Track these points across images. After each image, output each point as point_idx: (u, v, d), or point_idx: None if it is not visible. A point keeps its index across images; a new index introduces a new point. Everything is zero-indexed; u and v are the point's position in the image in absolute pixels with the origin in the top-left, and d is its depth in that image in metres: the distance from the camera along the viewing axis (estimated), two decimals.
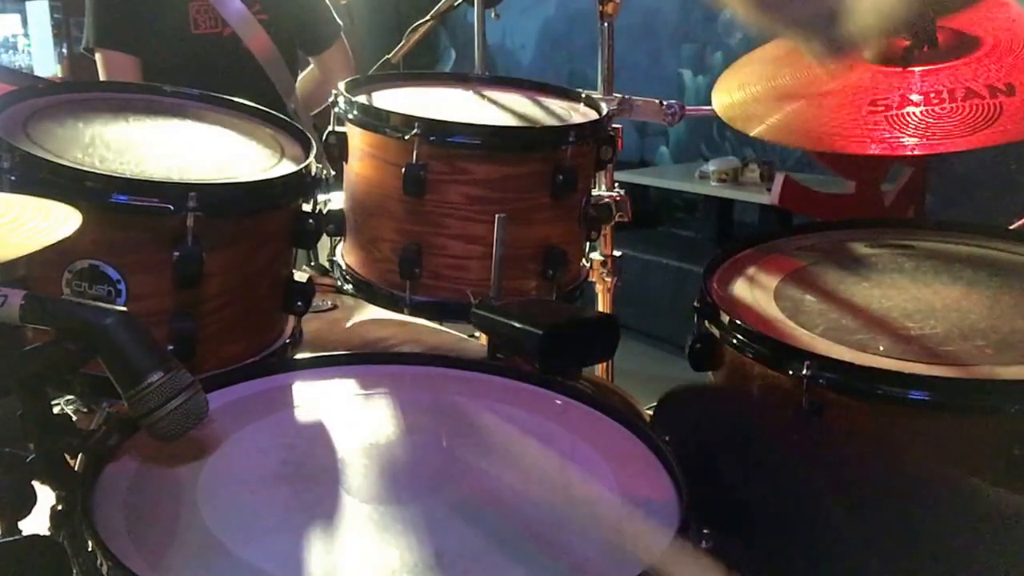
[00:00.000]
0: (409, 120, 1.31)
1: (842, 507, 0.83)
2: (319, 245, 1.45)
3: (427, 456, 0.93)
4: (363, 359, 1.14)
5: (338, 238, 1.51)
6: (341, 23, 2.53)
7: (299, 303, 1.28)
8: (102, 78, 2.29)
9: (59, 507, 0.81)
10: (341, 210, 1.46)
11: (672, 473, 0.88)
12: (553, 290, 1.41)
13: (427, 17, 2.18)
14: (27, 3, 5.76)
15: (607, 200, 1.67)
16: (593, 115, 1.50)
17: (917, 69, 1.32)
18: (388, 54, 2.19)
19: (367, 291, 1.46)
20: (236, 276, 1.18)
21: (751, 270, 1.31)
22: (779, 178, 4.37)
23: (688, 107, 1.92)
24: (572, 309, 1.44)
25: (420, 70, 1.91)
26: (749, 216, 5.31)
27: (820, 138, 1.31)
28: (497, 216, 1.27)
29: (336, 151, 1.42)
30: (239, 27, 2.25)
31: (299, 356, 1.27)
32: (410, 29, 2.21)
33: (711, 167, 5.15)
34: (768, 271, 1.30)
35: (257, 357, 1.23)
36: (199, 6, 2.26)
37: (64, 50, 5.45)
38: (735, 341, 1.13)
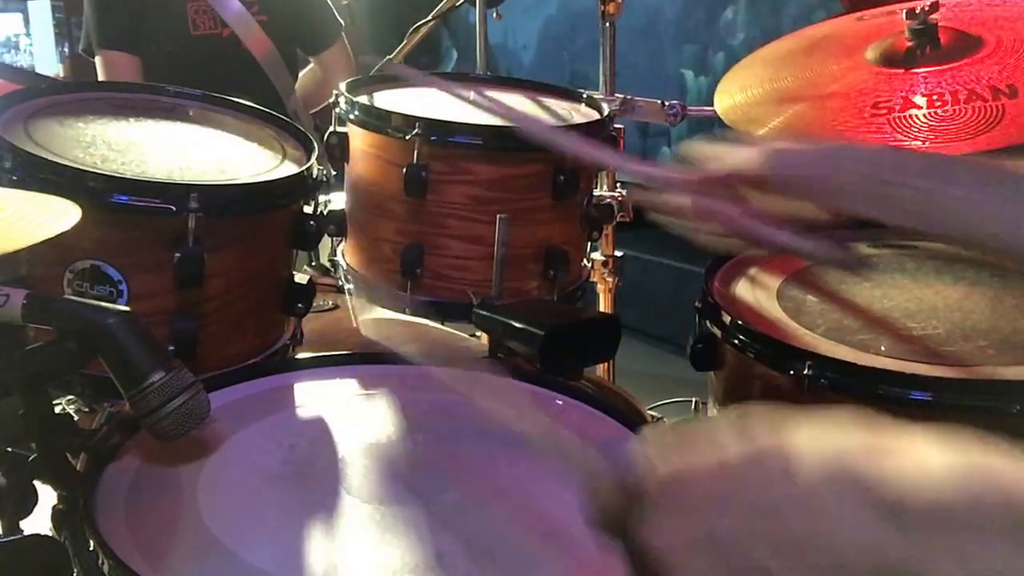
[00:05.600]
0: (410, 120, 1.31)
1: None
2: (320, 245, 1.45)
3: (428, 456, 0.93)
4: (364, 359, 1.14)
5: (339, 238, 1.51)
6: (342, 22, 2.53)
7: (299, 305, 1.28)
8: (102, 80, 2.29)
9: (60, 506, 0.81)
10: (342, 210, 1.46)
11: None
12: (554, 290, 1.41)
13: (428, 17, 2.18)
14: (29, 2, 5.76)
15: (609, 200, 1.67)
16: (595, 115, 1.50)
17: (920, 71, 1.32)
18: (390, 54, 2.19)
19: (368, 291, 1.46)
20: (237, 277, 1.18)
21: (753, 270, 1.31)
22: None
23: (690, 107, 1.92)
24: (573, 309, 1.44)
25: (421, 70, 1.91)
26: None
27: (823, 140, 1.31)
28: (498, 216, 1.27)
29: (337, 151, 1.42)
30: (238, 28, 2.25)
31: (300, 356, 1.27)
32: (411, 29, 2.21)
33: None
34: (770, 271, 1.30)
35: (258, 357, 1.23)
36: (198, 7, 2.26)
37: (66, 49, 5.45)
38: (737, 341, 1.13)
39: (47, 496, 0.84)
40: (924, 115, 1.23)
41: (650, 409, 1.56)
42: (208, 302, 1.15)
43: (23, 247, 0.81)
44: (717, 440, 0.51)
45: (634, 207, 1.74)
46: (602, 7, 1.92)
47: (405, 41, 2.23)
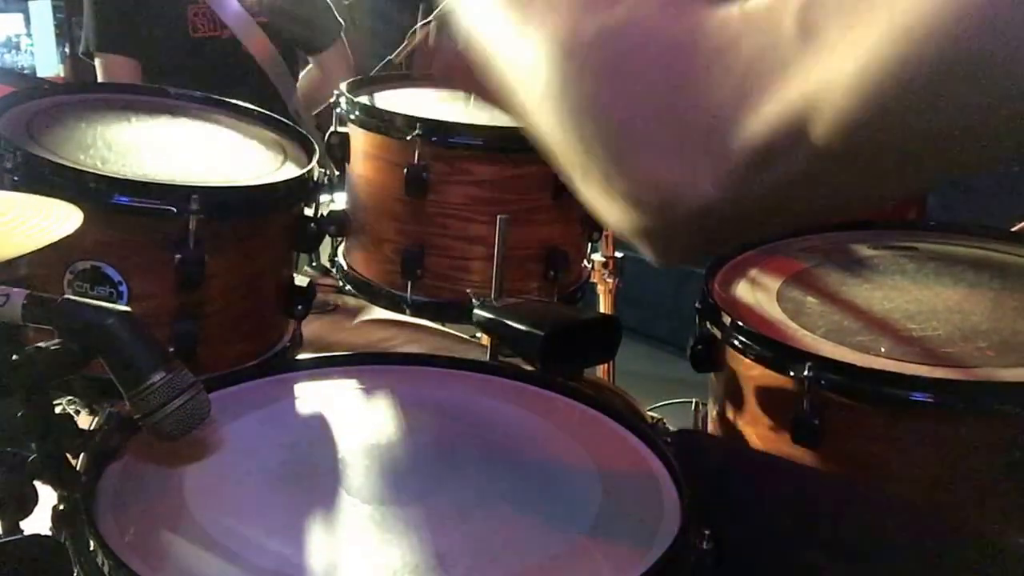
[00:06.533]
0: (411, 121, 1.31)
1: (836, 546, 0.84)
2: (320, 245, 1.45)
3: (428, 456, 0.93)
4: (364, 359, 1.14)
5: (340, 238, 1.51)
6: (342, 22, 2.53)
7: (299, 307, 1.28)
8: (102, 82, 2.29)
9: (61, 507, 0.81)
10: (343, 211, 1.46)
11: (673, 474, 0.89)
12: (554, 291, 1.41)
13: (429, 18, 2.18)
14: (29, 2, 5.76)
15: None
16: None
17: None
18: (391, 54, 2.19)
19: (368, 292, 1.46)
20: (237, 278, 1.18)
21: (753, 271, 1.31)
22: None
23: None
24: (573, 310, 1.44)
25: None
26: None
27: None
28: (499, 217, 1.27)
29: (338, 152, 1.43)
30: (238, 30, 2.25)
31: (300, 357, 1.27)
32: (412, 30, 2.20)
33: None
34: (770, 272, 1.30)
35: (258, 359, 1.23)
36: (197, 9, 2.26)
37: (67, 50, 5.45)
38: (736, 342, 1.13)
39: (47, 496, 0.84)
40: None
41: (650, 410, 1.56)
42: (208, 304, 1.15)
43: (24, 253, 0.81)
44: None
45: None
46: None
47: (406, 42, 2.22)
